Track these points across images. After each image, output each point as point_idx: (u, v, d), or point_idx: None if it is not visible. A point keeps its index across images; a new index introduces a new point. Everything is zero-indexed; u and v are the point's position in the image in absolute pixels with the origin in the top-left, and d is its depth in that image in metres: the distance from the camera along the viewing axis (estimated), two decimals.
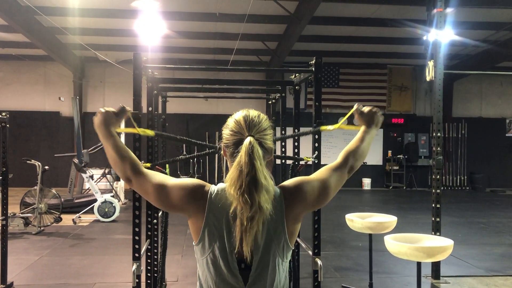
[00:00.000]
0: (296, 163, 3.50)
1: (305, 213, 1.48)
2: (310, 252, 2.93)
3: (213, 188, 1.42)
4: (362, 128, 1.70)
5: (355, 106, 1.73)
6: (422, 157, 14.74)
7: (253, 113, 1.47)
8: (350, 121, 1.86)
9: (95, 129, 1.58)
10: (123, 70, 12.06)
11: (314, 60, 2.95)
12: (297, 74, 3.58)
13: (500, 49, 11.26)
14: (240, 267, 1.37)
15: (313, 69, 2.95)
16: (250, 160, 1.34)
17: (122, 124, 1.78)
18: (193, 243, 1.45)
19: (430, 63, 5.05)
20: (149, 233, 3.46)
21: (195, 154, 3.00)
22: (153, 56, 11.97)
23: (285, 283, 1.45)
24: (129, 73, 11.77)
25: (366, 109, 1.70)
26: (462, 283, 4.82)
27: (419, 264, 3.33)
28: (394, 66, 14.55)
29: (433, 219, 4.93)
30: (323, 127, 2.15)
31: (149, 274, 3.52)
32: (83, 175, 8.59)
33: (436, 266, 4.95)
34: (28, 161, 7.47)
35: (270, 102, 4.82)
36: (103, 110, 1.59)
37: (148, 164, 2.91)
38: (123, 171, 1.49)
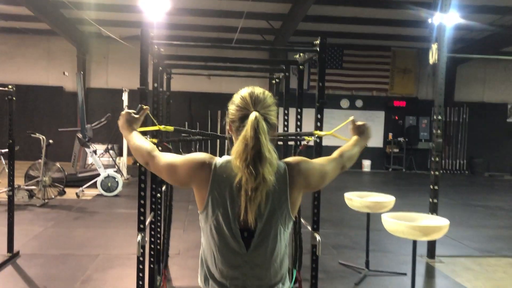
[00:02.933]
0: (298, 143, 3.58)
1: (304, 191, 1.57)
2: (309, 228, 3.03)
3: (217, 160, 1.50)
4: (355, 137, 1.87)
5: (351, 118, 1.95)
6: (423, 140, 14.80)
7: (258, 90, 1.54)
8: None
9: (120, 129, 1.81)
10: (127, 46, 12.03)
11: (319, 40, 2.99)
12: (301, 54, 3.61)
13: (505, 34, 11.19)
14: (243, 235, 1.45)
15: (318, 49, 3.00)
16: (255, 134, 1.41)
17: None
18: (198, 212, 1.53)
19: (434, 46, 5.07)
20: (154, 206, 3.56)
21: (198, 132, 3.07)
22: (157, 33, 11.91)
23: (285, 251, 1.54)
24: (132, 50, 11.69)
25: (360, 122, 1.92)
26: (456, 263, 4.94)
27: (414, 242, 3.43)
28: (398, 48, 14.49)
29: (430, 200, 5.02)
30: (316, 132, 2.35)
31: (152, 246, 3.63)
32: (87, 150, 8.68)
33: (431, 246, 5.07)
34: (32, 135, 7.54)
35: (273, 81, 4.87)
36: (124, 112, 1.82)
37: (155, 140, 2.99)
38: (141, 158, 1.68)
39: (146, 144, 1.69)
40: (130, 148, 1.75)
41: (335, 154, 1.75)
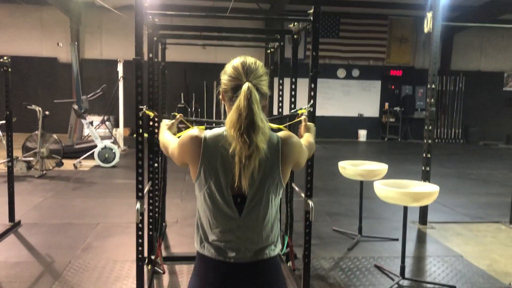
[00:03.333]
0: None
1: (293, 166, 1.64)
2: (303, 195, 3.12)
3: (206, 133, 1.56)
4: (307, 134, 2.09)
5: (303, 117, 2.23)
6: (419, 109, 14.83)
7: (250, 59, 1.58)
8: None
9: (160, 129, 2.08)
10: (121, 16, 11.87)
11: (313, 9, 2.99)
12: (295, 23, 3.61)
13: (503, 1, 11.06)
14: (236, 201, 1.52)
15: (311, 18, 3.00)
16: (248, 104, 1.46)
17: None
18: (193, 181, 1.60)
19: (429, 15, 5.05)
20: (151, 175, 3.64)
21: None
22: (151, 2, 11.73)
23: (276, 216, 1.62)
24: (126, 19, 11.51)
25: (309, 123, 2.18)
26: (447, 229, 5.08)
27: (405, 208, 3.53)
28: (395, 17, 14.35)
29: (423, 168, 5.11)
30: (270, 124, 2.53)
31: (150, 214, 3.73)
32: (83, 121, 8.70)
33: (423, 212, 5.20)
34: (29, 106, 7.54)
35: (268, 51, 4.86)
36: (162, 121, 2.14)
37: (152, 114, 3.02)
38: (165, 150, 1.87)
39: (169, 138, 1.87)
40: (160, 142, 1.98)
41: (304, 142, 1.89)
